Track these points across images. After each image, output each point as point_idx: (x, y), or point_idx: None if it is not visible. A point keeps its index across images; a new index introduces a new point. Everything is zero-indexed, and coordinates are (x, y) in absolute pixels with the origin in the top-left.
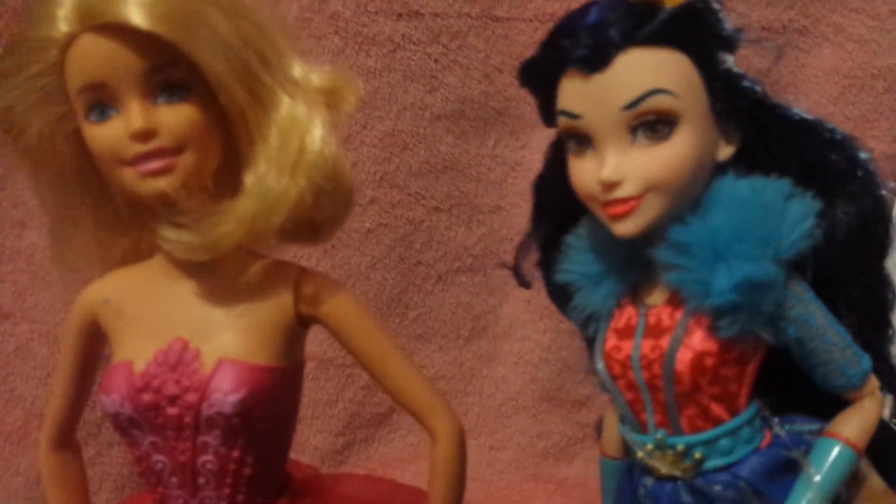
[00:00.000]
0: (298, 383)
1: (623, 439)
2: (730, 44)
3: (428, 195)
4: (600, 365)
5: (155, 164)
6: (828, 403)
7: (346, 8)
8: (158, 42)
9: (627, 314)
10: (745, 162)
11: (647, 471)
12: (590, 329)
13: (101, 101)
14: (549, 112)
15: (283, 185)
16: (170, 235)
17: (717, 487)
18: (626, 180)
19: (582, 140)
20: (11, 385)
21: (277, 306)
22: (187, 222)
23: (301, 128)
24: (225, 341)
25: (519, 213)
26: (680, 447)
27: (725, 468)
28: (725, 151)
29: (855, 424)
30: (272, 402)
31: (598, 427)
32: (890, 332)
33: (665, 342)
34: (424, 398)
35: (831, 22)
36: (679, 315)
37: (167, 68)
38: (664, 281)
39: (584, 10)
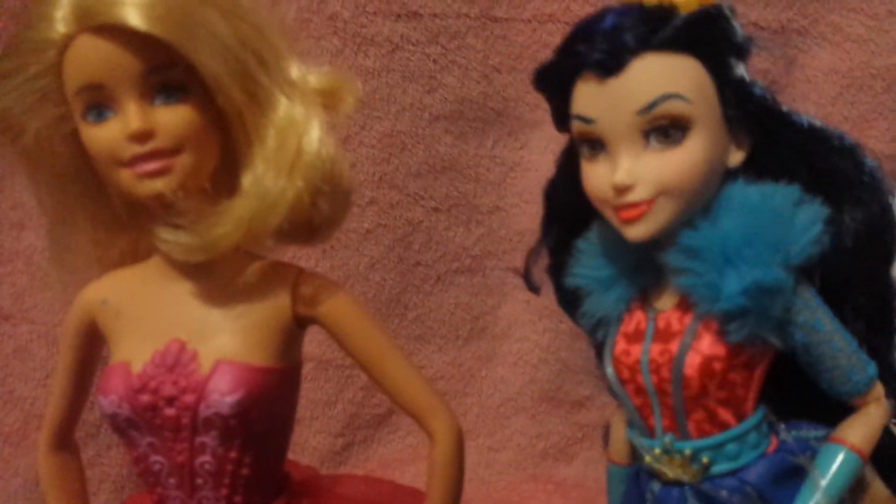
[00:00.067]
0: (296, 384)
1: (630, 445)
2: (742, 51)
3: (427, 196)
4: (609, 369)
5: (152, 166)
6: (833, 409)
7: (345, 9)
8: (156, 43)
9: (637, 318)
10: (755, 168)
11: (655, 476)
12: (599, 334)
13: (99, 102)
14: (562, 117)
15: (280, 187)
16: (167, 236)
17: (724, 492)
18: (639, 184)
19: (595, 144)
20: (10, 386)
21: (275, 307)
22: (184, 223)
23: (298, 129)
24: (222, 342)
25: (518, 214)
26: (687, 452)
27: (732, 473)
28: (736, 157)
29: (860, 431)
30: (270, 402)
31: (606, 434)
32: (895, 339)
33: (674, 346)
34: (423, 399)
35: (830, 22)
36: (688, 319)
37: (164, 69)
38: (674, 285)
39: (600, 15)
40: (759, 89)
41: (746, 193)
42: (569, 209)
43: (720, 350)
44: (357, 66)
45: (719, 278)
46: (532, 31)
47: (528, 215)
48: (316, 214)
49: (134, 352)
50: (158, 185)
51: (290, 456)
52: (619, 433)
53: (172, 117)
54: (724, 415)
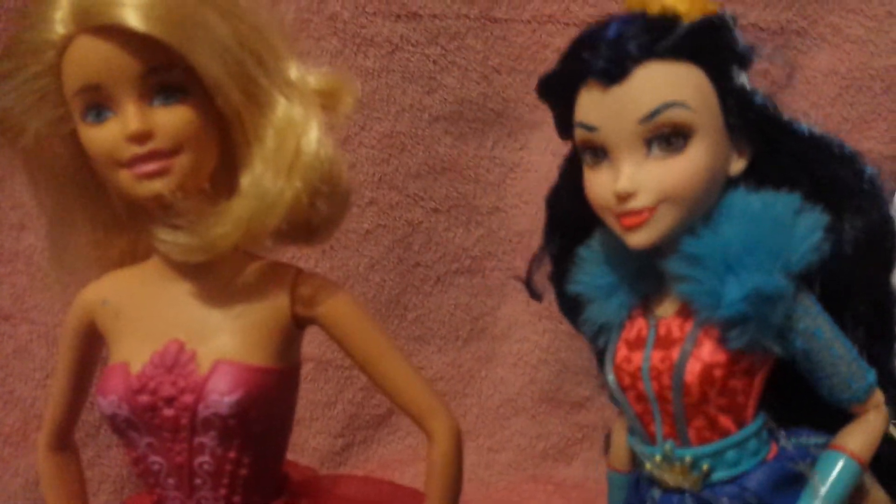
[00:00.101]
0: (295, 384)
1: (631, 452)
2: (744, 60)
3: (426, 196)
4: (611, 376)
5: (151, 166)
6: (833, 416)
7: (345, 9)
8: (155, 44)
9: (638, 326)
10: (756, 176)
11: (655, 483)
12: (600, 341)
13: (98, 103)
14: (565, 124)
15: (279, 187)
16: (166, 237)
17: (724, 499)
18: (641, 192)
19: (598, 152)
20: (10, 386)
21: (274, 307)
22: (183, 224)
23: (297, 129)
24: (221, 342)
25: (517, 215)
26: (688, 459)
27: (732, 480)
28: (737, 165)
29: (860, 438)
30: (268, 403)
31: (607, 441)
32: (894, 347)
33: (675, 353)
34: (422, 400)
35: (829, 23)
36: (689, 326)
37: (163, 70)
38: (675, 292)
39: (604, 23)
40: (761, 98)
41: (748, 201)
42: (571, 217)
43: (721, 357)
44: (357, 66)
45: (720, 285)
46: (532, 31)
47: (527, 216)
48: (314, 215)
49: (133, 352)
50: (157, 185)
51: (290, 457)
52: (621, 440)
53: (171, 118)
54: (725, 422)
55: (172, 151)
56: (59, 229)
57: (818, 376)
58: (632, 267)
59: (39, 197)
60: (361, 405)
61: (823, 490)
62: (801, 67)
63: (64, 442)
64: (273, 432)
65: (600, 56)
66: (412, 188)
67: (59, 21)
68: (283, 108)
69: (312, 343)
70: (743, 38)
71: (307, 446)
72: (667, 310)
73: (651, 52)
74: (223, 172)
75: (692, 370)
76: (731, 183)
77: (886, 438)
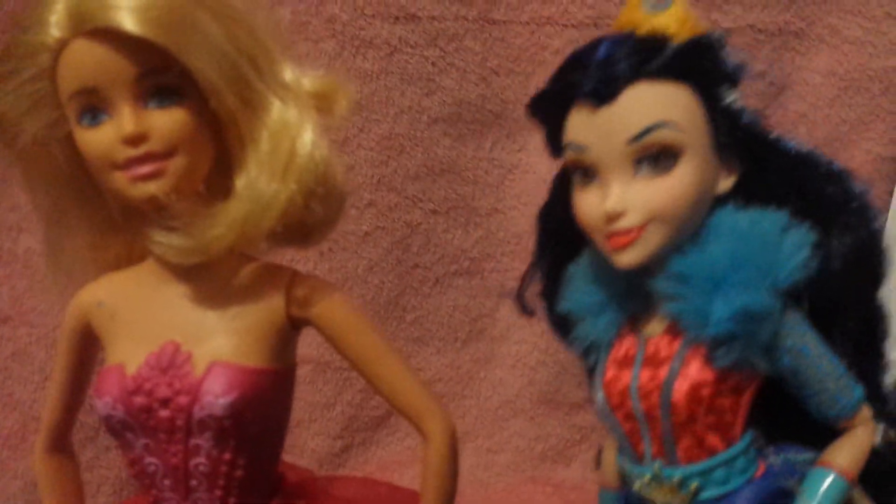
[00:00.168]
0: (290, 386)
1: (621, 470)
2: (733, 79)
3: (425, 198)
4: (599, 395)
5: (146, 169)
6: (821, 432)
7: (343, 11)
8: (150, 47)
9: (627, 344)
10: (744, 194)
11: (644, 502)
12: (590, 358)
13: (93, 106)
14: (556, 144)
15: (273, 189)
16: (161, 239)
17: None
18: (629, 211)
19: (587, 172)
20: (9, 389)
21: (269, 309)
22: (178, 226)
23: (292, 131)
24: (217, 344)
25: (516, 216)
26: (676, 478)
27: (721, 498)
28: (725, 183)
29: (848, 454)
30: (264, 404)
31: (598, 458)
32: (883, 361)
33: (663, 372)
34: (418, 400)
35: (827, 24)
36: (677, 345)
37: (158, 73)
38: (663, 311)
39: (594, 44)
40: (749, 116)
41: (735, 219)
42: (562, 233)
43: (708, 375)
44: (355, 68)
45: (707, 304)
46: (530, 33)
47: (526, 217)
48: (309, 217)
49: (128, 354)
50: (152, 188)
51: (289, 458)
52: (611, 457)
53: (166, 120)
54: (713, 440)
55: (167, 154)
56: (56, 232)
57: (806, 393)
58: (620, 286)
59: (36, 199)
60: (360, 407)
61: None
62: (799, 69)
63: (61, 444)
64: (269, 433)
65: (590, 77)
66: (411, 190)
67: (55, 24)
68: (277, 111)
69: (311, 345)
70: (732, 56)
71: (306, 448)
72: (655, 328)
73: (640, 72)
74: (218, 175)
75: (680, 389)
76: (719, 201)
77: (875, 451)
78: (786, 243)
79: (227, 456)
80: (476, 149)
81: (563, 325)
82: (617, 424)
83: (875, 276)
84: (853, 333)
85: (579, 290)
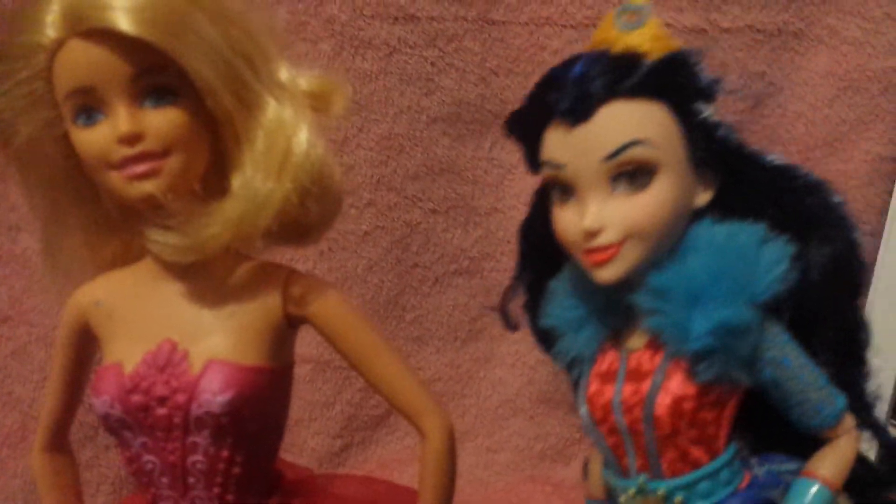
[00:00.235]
0: (288, 384)
1: (607, 483)
2: (708, 94)
3: (425, 198)
4: (583, 409)
5: (141, 168)
6: (806, 442)
7: (342, 12)
8: (145, 46)
9: (610, 358)
10: (722, 207)
11: None
12: (574, 372)
13: (89, 106)
14: (534, 161)
15: (269, 188)
16: (157, 238)
17: None
18: (607, 228)
19: (565, 189)
20: (9, 388)
21: (266, 307)
22: (174, 225)
23: (287, 131)
24: (214, 342)
25: (516, 216)
26: (661, 491)
27: None
28: (702, 198)
29: (831, 464)
30: (261, 402)
31: (585, 469)
32: (865, 369)
33: (645, 386)
34: (415, 398)
35: (826, 24)
36: (658, 359)
37: (154, 72)
38: (644, 325)
39: (569, 63)
40: (725, 130)
41: (712, 233)
42: (543, 248)
43: (690, 389)
44: (354, 68)
45: (687, 319)
46: (529, 33)
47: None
48: (305, 216)
49: (126, 352)
50: (148, 187)
51: (288, 457)
52: (597, 469)
53: (162, 120)
54: (697, 453)
55: (163, 153)
56: (53, 231)
57: (788, 404)
58: (600, 300)
59: (32, 199)
60: (360, 406)
61: None
62: (798, 69)
63: (59, 443)
64: (266, 431)
65: (565, 96)
66: (410, 189)
67: (50, 25)
68: (273, 110)
69: (311, 344)
70: (707, 71)
71: (306, 447)
72: (637, 342)
73: (614, 91)
74: (214, 174)
75: (662, 403)
76: (696, 214)
77: (861, 458)
78: (764, 256)
79: (224, 454)
80: (475, 148)
81: (546, 339)
82: (601, 438)
83: (854, 287)
84: (834, 343)
85: (560, 305)
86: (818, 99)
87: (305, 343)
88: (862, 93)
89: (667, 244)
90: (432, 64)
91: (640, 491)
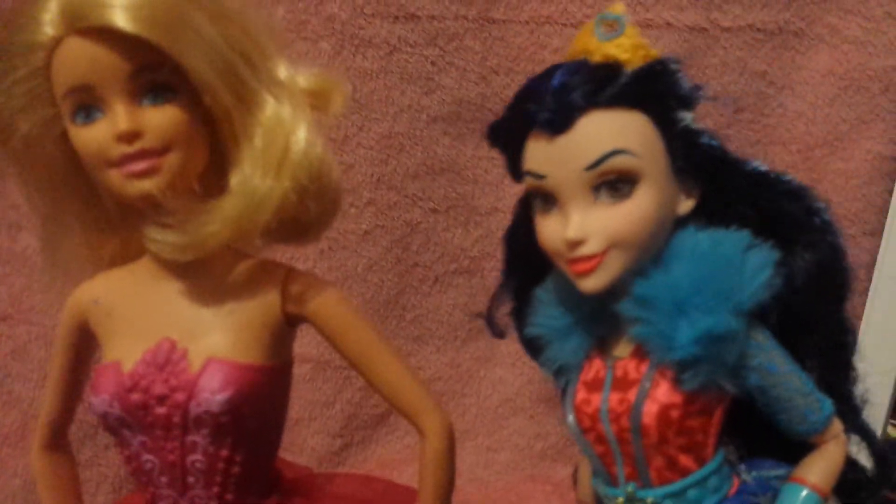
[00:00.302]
0: (287, 382)
1: (595, 492)
2: (688, 102)
3: (425, 197)
4: (570, 417)
5: (140, 166)
6: (794, 447)
7: (343, 10)
8: (143, 44)
9: (596, 367)
10: (706, 214)
11: None
12: (561, 380)
13: (87, 104)
14: (516, 170)
15: (267, 186)
16: (156, 236)
17: None
18: (590, 238)
19: (547, 199)
20: (9, 387)
21: (265, 305)
22: (173, 223)
23: (286, 128)
24: (213, 341)
25: None
26: (650, 500)
27: None
28: (686, 205)
29: (820, 469)
30: (260, 400)
31: (574, 476)
32: (853, 374)
33: (632, 395)
34: (414, 397)
35: (827, 24)
36: (644, 367)
37: (152, 70)
38: (629, 334)
39: (549, 73)
40: (707, 139)
41: (696, 240)
42: (528, 256)
43: (676, 398)
44: (355, 67)
45: (672, 328)
46: (530, 32)
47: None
48: (304, 214)
49: (125, 351)
50: (146, 184)
51: (288, 456)
52: (586, 477)
53: (160, 117)
54: (685, 461)
55: (161, 150)
56: (52, 229)
57: (775, 410)
58: (586, 309)
59: (31, 198)
60: (360, 405)
61: None
62: (798, 68)
63: (59, 442)
64: (265, 430)
65: (544, 107)
66: (411, 189)
67: (48, 23)
68: (271, 108)
69: (311, 343)
70: (687, 79)
71: (305, 446)
72: (623, 351)
73: (594, 101)
74: (213, 171)
75: (649, 412)
76: (680, 222)
77: (850, 463)
78: (748, 263)
79: (223, 452)
80: (476, 148)
81: (533, 347)
82: (589, 447)
83: (840, 292)
84: (821, 348)
85: (546, 314)
86: (819, 98)
87: (305, 342)
88: (862, 92)
89: (650, 252)
90: (433, 63)
91: (629, 499)
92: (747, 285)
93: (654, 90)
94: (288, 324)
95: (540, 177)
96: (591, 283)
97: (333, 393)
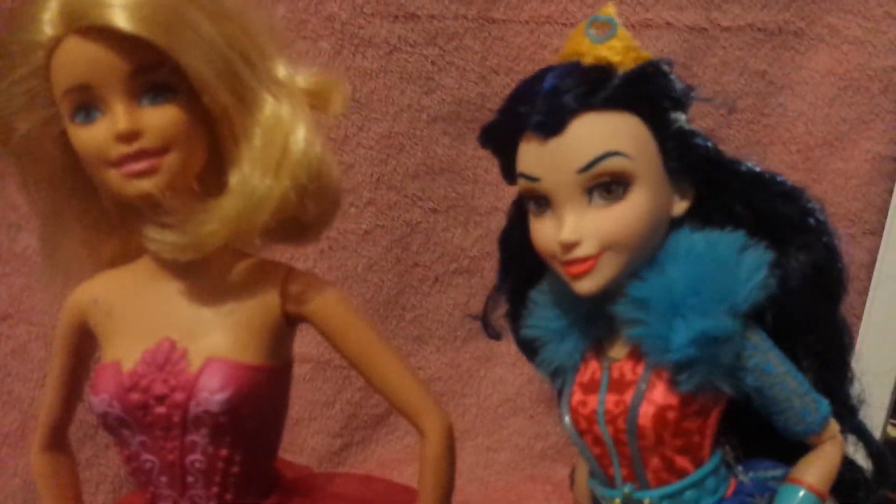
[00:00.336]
0: (286, 382)
1: (592, 493)
2: (681, 103)
3: (425, 197)
4: (567, 419)
5: (139, 165)
6: (791, 448)
7: (342, 10)
8: (143, 44)
9: (592, 368)
10: (700, 215)
11: None
12: (558, 382)
13: (87, 103)
14: (510, 173)
15: (266, 185)
16: (155, 235)
17: None
18: (584, 240)
19: (541, 201)
20: (9, 386)
21: (264, 305)
22: (173, 222)
23: (285, 128)
24: (212, 341)
25: None
26: (647, 501)
27: None
28: (680, 207)
29: (817, 470)
30: (260, 400)
31: (572, 477)
32: (849, 374)
33: (628, 397)
34: (413, 396)
35: (826, 23)
36: (641, 369)
37: (152, 70)
38: (625, 335)
39: (540, 75)
40: (700, 139)
41: (691, 241)
42: (523, 258)
43: (673, 399)
44: (354, 67)
45: (667, 329)
46: (530, 32)
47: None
48: (304, 213)
49: (124, 351)
50: (146, 184)
51: (288, 456)
52: (583, 478)
53: (159, 117)
54: (682, 462)
55: (161, 150)
56: (51, 229)
57: (772, 411)
58: (581, 310)
59: (31, 197)
60: (360, 405)
61: None
62: (798, 68)
63: (58, 442)
64: (265, 430)
65: (536, 109)
66: (410, 188)
67: (48, 22)
68: (270, 107)
69: (311, 343)
70: (679, 80)
71: (305, 446)
72: (619, 352)
73: (586, 104)
74: (212, 171)
75: (645, 413)
76: (675, 223)
77: (848, 463)
78: (743, 264)
79: (223, 452)
80: (476, 147)
81: (529, 349)
82: (585, 448)
83: (835, 292)
84: (817, 349)
85: (542, 315)
86: (819, 98)
87: (305, 342)
88: (862, 92)
89: (645, 254)
90: (432, 62)
91: (626, 501)
92: (742, 286)
93: (646, 92)
94: (288, 323)
95: (533, 179)
96: (587, 286)
97: (333, 393)
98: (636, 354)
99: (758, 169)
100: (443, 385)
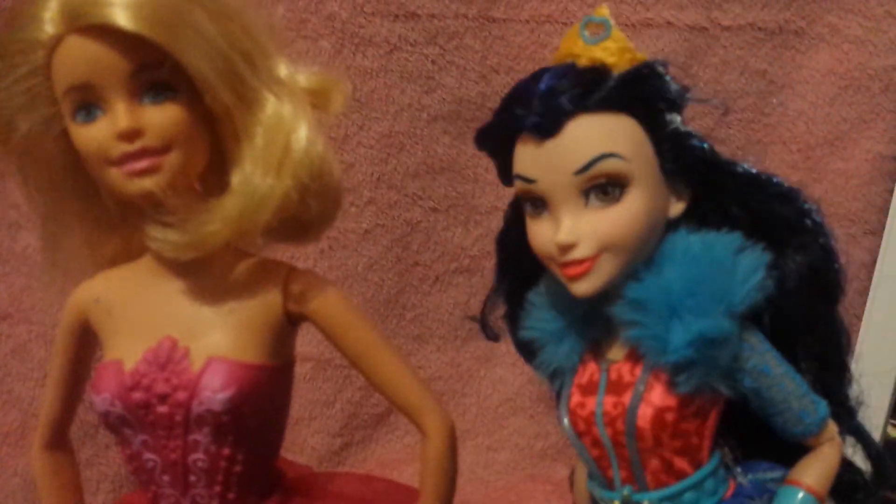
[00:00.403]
0: (288, 381)
1: (592, 495)
2: (676, 105)
3: (425, 196)
4: (565, 421)
5: (141, 164)
6: (790, 449)
7: (343, 9)
8: (144, 42)
9: (590, 370)
10: (697, 216)
11: None
12: (556, 383)
13: (88, 102)
14: (506, 174)
15: (268, 184)
16: (156, 234)
17: None
18: (581, 242)
19: (537, 203)
20: (9, 386)
21: (266, 304)
22: (174, 221)
23: (286, 127)
24: (214, 340)
25: None
26: (646, 503)
27: None
28: (676, 208)
29: (815, 471)
30: (262, 399)
31: (571, 479)
32: (847, 375)
33: (626, 398)
34: (414, 396)
35: (827, 23)
36: (639, 371)
37: (153, 69)
38: (623, 337)
39: (536, 77)
40: (696, 141)
41: (688, 243)
42: (520, 259)
43: (671, 401)
44: (355, 66)
45: (665, 331)
46: (530, 31)
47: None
48: (305, 212)
49: (126, 350)
50: (147, 183)
51: (289, 456)
52: (583, 479)
53: (161, 116)
54: (681, 464)
55: (162, 149)
56: (52, 228)
57: (770, 412)
58: (579, 312)
59: (32, 196)
60: (360, 404)
61: None
62: (799, 67)
63: (59, 441)
64: (267, 429)
65: (532, 111)
66: (411, 188)
67: (49, 21)
68: (272, 106)
69: (311, 342)
70: (674, 82)
71: (306, 445)
72: (617, 354)
73: (582, 105)
74: (213, 170)
75: (644, 415)
76: (672, 224)
77: (847, 464)
78: (739, 266)
79: (225, 451)
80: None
81: (527, 351)
82: (584, 450)
83: (832, 293)
84: (815, 350)
85: (539, 317)
86: (819, 97)
87: (306, 341)
88: (863, 91)
89: (642, 255)
90: (433, 62)
91: (625, 502)
92: (739, 288)
93: (641, 93)
94: (289, 322)
95: (530, 181)
96: (584, 287)
97: (334, 392)
98: (634, 356)
99: (754, 170)
100: (443, 384)
